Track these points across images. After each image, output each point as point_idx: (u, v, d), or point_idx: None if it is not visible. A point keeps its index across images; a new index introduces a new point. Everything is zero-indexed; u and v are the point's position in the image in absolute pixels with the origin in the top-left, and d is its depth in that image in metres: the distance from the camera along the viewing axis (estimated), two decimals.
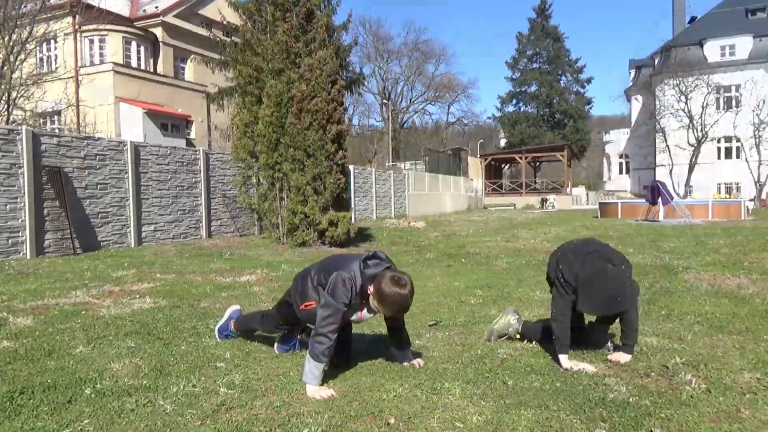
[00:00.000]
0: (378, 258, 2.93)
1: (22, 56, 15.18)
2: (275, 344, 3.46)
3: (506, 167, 50.22)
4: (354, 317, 2.98)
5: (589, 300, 3.04)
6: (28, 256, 8.90)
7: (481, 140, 55.35)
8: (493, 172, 43.73)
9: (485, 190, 39.64)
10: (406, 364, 3.12)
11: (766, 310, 4.39)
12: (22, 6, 15.16)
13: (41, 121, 19.98)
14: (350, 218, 10.22)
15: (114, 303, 5.04)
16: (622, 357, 3.15)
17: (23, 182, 8.94)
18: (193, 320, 4.33)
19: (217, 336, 3.73)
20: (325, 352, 2.76)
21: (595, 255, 3.12)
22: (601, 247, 3.22)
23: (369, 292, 2.84)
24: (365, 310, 2.96)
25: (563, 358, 3.11)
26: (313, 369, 2.74)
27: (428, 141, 53.39)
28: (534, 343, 3.56)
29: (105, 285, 6.09)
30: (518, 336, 3.62)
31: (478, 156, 42.77)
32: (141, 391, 2.77)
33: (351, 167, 18.79)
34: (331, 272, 2.90)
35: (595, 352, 3.34)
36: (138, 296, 5.38)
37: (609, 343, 3.39)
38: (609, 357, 3.19)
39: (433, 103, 60.30)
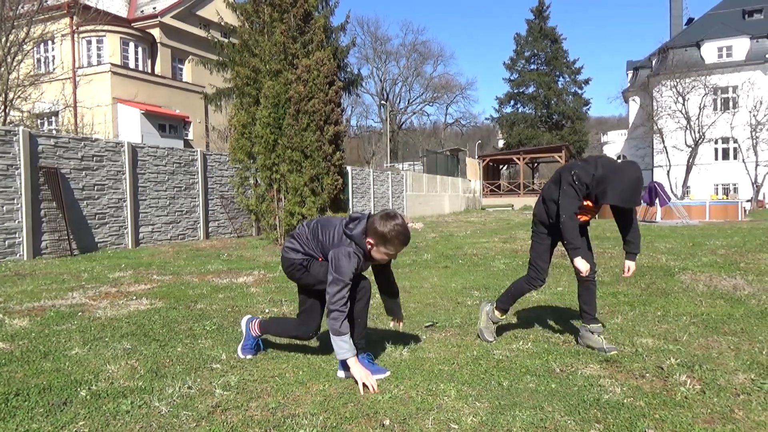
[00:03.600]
0: (356, 218, 3.00)
1: (20, 57, 15.17)
2: (238, 349, 3.41)
3: (504, 168, 50.24)
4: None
5: (614, 190, 3.17)
6: (25, 258, 8.89)
7: (479, 141, 55.44)
8: (491, 173, 43.73)
9: (483, 191, 39.65)
10: (392, 325, 3.28)
11: (761, 311, 4.40)
12: (20, 7, 15.14)
13: (38, 122, 19.94)
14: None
15: (110, 304, 5.04)
16: (632, 266, 3.52)
17: (20, 183, 8.93)
18: (190, 322, 4.33)
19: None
20: (345, 324, 2.83)
21: (605, 160, 3.34)
22: (608, 158, 3.43)
23: (369, 245, 2.91)
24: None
25: (578, 260, 3.31)
26: (342, 344, 2.81)
27: (426, 142, 53.51)
28: (530, 344, 3.57)
29: (102, 286, 6.09)
30: (501, 316, 3.73)
31: (476, 157, 42.78)
32: (136, 392, 2.77)
33: (349, 168, 18.80)
34: (324, 244, 3.01)
35: (591, 353, 3.35)
36: (135, 298, 5.38)
37: (605, 345, 3.40)
38: (624, 275, 3.57)
39: (431, 104, 60.38)
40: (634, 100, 44.05)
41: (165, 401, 2.64)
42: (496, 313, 3.71)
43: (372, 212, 2.99)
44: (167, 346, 3.63)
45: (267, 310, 4.73)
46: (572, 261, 3.35)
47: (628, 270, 3.53)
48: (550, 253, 3.58)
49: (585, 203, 3.39)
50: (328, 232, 3.03)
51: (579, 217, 3.41)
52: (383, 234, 2.84)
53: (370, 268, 3.22)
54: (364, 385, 2.75)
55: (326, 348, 3.52)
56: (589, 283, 3.52)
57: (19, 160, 8.94)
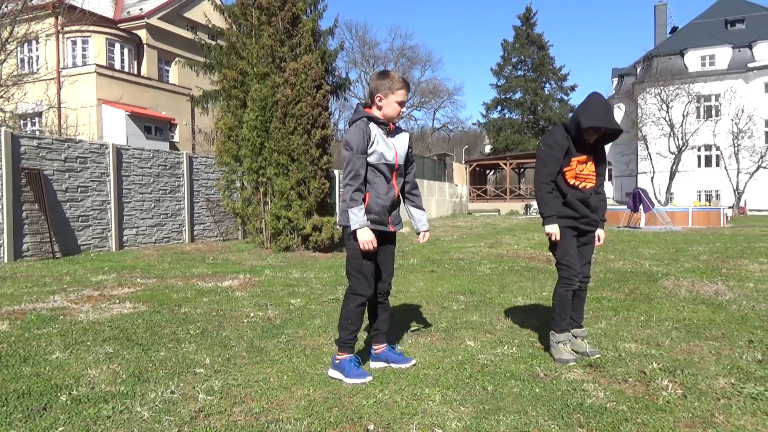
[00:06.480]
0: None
1: (2, 57, 14.96)
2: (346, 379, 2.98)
3: (491, 173, 50.56)
4: (390, 156, 3.06)
5: (586, 113, 3.23)
6: (6, 260, 8.75)
7: (466, 146, 55.62)
8: (477, 178, 43.96)
9: (470, 195, 39.82)
10: (420, 239, 3.38)
11: (741, 317, 4.47)
12: (3, 6, 14.94)
13: (21, 122, 19.67)
14: (334, 223, 10.19)
15: (93, 308, 4.97)
16: (601, 234, 3.60)
17: (1, 185, 8.80)
18: (173, 326, 4.29)
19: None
20: (355, 195, 2.95)
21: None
22: None
23: (378, 101, 3.04)
24: (392, 140, 3.10)
25: (548, 226, 3.40)
26: (352, 216, 2.95)
27: (413, 146, 53.50)
28: (514, 348, 3.58)
29: (84, 290, 6.01)
30: (563, 334, 3.41)
31: (463, 162, 42.93)
32: (118, 397, 2.74)
33: (336, 172, 18.74)
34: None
35: (581, 358, 3.37)
36: (117, 301, 5.31)
37: (588, 349, 3.42)
38: (596, 244, 3.58)
39: (418, 108, 60.48)
40: (618, 107, 44.52)
41: (147, 406, 2.61)
42: (557, 335, 3.41)
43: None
44: (150, 350, 3.59)
45: (252, 314, 4.70)
46: (543, 228, 3.45)
47: (599, 239, 3.59)
48: (575, 246, 3.46)
49: (574, 159, 3.35)
50: None
51: (579, 185, 3.39)
52: (384, 83, 3.01)
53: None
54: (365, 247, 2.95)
55: (311, 352, 3.50)
56: (580, 291, 3.50)
57: (1, 161, 8.81)
